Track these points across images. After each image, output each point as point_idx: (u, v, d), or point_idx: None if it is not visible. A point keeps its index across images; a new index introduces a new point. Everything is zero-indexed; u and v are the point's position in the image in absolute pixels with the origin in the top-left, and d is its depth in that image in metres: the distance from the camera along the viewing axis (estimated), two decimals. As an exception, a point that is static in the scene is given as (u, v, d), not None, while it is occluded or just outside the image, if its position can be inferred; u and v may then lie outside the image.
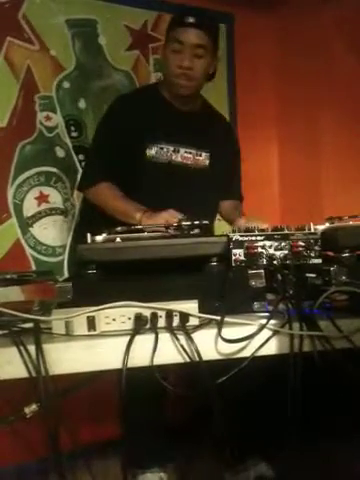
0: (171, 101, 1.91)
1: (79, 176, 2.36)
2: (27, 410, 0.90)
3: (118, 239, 1.16)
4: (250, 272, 1.06)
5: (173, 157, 1.91)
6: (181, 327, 0.91)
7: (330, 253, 1.19)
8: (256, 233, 1.19)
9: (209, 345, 0.90)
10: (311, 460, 1.57)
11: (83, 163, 2.37)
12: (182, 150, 1.92)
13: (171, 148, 1.90)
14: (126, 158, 1.83)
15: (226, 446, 1.55)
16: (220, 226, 2.00)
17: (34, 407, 0.90)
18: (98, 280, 1.07)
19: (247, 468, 1.77)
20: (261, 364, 0.92)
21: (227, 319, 0.92)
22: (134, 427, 1.60)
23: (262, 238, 1.18)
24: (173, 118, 1.90)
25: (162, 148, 1.88)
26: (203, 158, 1.96)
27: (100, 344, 0.89)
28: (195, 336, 0.89)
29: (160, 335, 0.89)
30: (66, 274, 2.29)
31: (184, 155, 1.92)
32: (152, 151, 1.87)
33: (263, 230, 1.21)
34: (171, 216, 1.54)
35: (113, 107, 1.95)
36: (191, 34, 1.77)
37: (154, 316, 0.92)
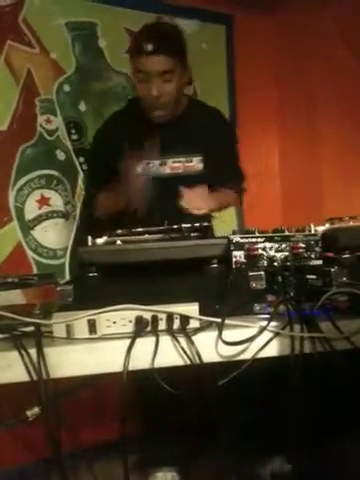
0: (145, 113, 1.86)
1: (80, 178, 2.37)
2: (29, 413, 0.90)
3: (119, 241, 1.16)
4: (250, 274, 1.06)
5: (160, 170, 1.89)
6: (182, 330, 0.90)
7: (330, 254, 1.19)
8: (256, 235, 1.19)
9: (210, 347, 0.90)
10: (326, 456, 1.57)
11: (83, 166, 2.39)
12: (169, 161, 1.90)
13: (157, 162, 1.89)
14: (115, 176, 1.85)
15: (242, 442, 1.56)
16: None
17: (36, 410, 0.90)
18: (99, 283, 1.07)
19: (263, 463, 1.78)
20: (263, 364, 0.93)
21: (228, 321, 0.92)
22: (148, 427, 1.62)
23: (262, 240, 1.18)
24: (155, 132, 1.86)
25: (148, 164, 1.88)
26: (195, 163, 1.92)
27: (101, 347, 0.89)
28: (196, 339, 0.89)
29: (161, 338, 0.88)
30: (67, 277, 2.30)
31: (173, 165, 1.90)
32: (138, 169, 1.86)
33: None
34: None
35: (98, 133, 2.03)
36: (154, 62, 1.69)
37: (155, 319, 0.92)
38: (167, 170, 1.90)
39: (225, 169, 1.99)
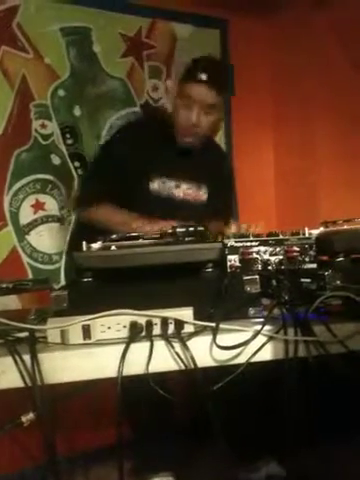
0: (175, 135, 1.91)
1: (75, 183, 2.37)
2: (24, 419, 0.90)
3: (113, 247, 1.16)
4: (245, 278, 1.06)
5: (175, 192, 1.94)
6: (176, 334, 0.90)
7: (325, 258, 1.19)
8: (251, 239, 1.19)
9: (204, 352, 0.90)
10: (322, 460, 1.57)
11: (79, 170, 2.38)
12: (184, 186, 1.95)
13: (173, 184, 1.93)
14: (128, 188, 1.85)
15: (236, 447, 1.56)
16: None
17: (31, 415, 0.90)
18: (94, 288, 1.07)
19: (258, 468, 1.78)
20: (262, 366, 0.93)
21: (222, 326, 0.92)
22: (143, 431, 1.61)
23: (257, 244, 1.19)
24: (176, 152, 1.91)
25: (164, 182, 1.92)
26: (202, 193, 1.99)
27: (95, 353, 0.89)
28: (190, 343, 0.89)
29: (155, 343, 0.88)
30: (63, 281, 2.29)
31: (186, 191, 1.96)
32: (155, 184, 1.90)
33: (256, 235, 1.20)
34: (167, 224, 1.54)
35: (119, 134, 2.02)
36: (202, 91, 1.77)
37: (149, 324, 0.92)
38: (181, 194, 1.95)
39: (222, 201, 2.05)
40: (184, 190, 1.95)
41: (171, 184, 1.92)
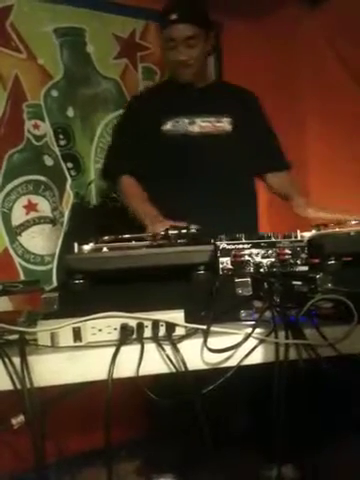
0: (176, 78, 2.00)
1: (68, 184, 2.36)
2: (14, 421, 0.90)
3: (105, 248, 1.16)
4: (237, 280, 1.06)
5: (189, 128, 1.95)
6: (167, 337, 0.90)
7: (316, 260, 1.20)
8: (243, 241, 1.19)
9: (195, 355, 0.89)
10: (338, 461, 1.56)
11: (71, 171, 2.38)
12: (199, 120, 1.96)
13: (186, 120, 1.96)
14: (143, 139, 1.95)
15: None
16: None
17: (21, 418, 0.89)
18: (85, 290, 1.07)
19: (272, 469, 1.77)
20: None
21: (213, 328, 0.92)
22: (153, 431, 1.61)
23: (249, 246, 1.19)
24: (187, 94, 1.98)
25: (177, 122, 1.96)
26: (224, 123, 1.98)
27: (86, 355, 0.88)
28: (181, 346, 0.89)
29: (146, 345, 0.88)
30: (55, 283, 2.28)
31: (202, 124, 1.97)
32: (167, 126, 1.95)
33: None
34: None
35: (129, 101, 2.17)
36: (178, 30, 1.87)
37: (140, 326, 0.92)
38: (196, 129, 1.96)
39: (276, 150, 2.08)
40: (200, 124, 1.96)
41: (185, 121, 1.95)
